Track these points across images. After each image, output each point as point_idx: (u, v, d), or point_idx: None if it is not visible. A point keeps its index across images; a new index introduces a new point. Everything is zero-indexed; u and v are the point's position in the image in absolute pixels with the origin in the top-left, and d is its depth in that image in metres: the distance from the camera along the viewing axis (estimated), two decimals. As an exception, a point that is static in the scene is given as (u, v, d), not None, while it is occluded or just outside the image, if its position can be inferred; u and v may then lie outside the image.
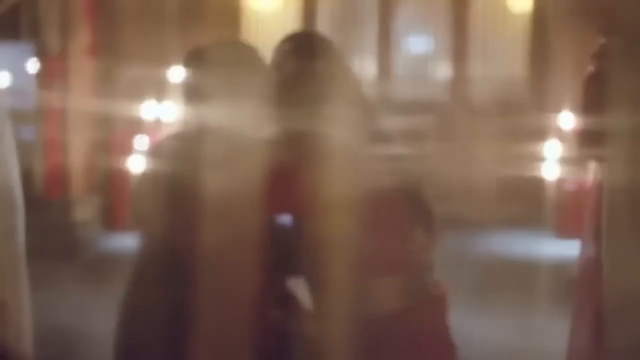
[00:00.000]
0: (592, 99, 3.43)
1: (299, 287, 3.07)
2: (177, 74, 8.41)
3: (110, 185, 9.44)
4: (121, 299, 3.18)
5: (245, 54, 3.13)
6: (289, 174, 2.96)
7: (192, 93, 3.13)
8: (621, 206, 3.01)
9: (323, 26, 10.06)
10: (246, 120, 3.03)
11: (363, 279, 2.94)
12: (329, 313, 2.91)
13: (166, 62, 8.91)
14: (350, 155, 2.94)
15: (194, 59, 3.15)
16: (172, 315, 2.95)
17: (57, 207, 8.80)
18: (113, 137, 9.48)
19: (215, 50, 3.14)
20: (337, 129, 2.90)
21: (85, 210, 9.13)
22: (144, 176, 3.22)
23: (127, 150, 9.08)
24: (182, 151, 3.05)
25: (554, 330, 5.35)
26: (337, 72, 3.04)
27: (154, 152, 3.32)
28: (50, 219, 8.35)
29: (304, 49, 3.07)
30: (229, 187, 2.89)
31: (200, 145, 2.97)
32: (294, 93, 3.01)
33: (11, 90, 9.50)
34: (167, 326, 2.97)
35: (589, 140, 3.53)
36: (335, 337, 2.87)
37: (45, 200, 8.79)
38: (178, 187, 2.97)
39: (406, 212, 3.09)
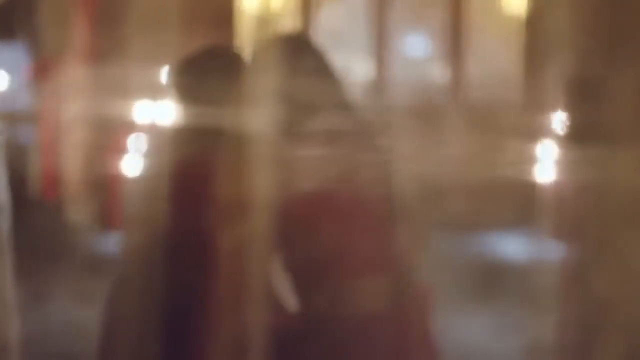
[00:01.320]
0: (577, 100, 3.44)
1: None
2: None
3: (106, 186, 9.43)
4: (105, 299, 3.19)
5: (229, 59, 3.15)
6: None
7: (179, 97, 3.17)
8: (580, 206, 3.03)
9: (318, 28, 10.06)
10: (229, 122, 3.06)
11: (345, 280, 2.95)
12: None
13: (161, 64, 8.91)
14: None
15: (178, 65, 3.20)
16: (157, 315, 2.96)
17: (52, 208, 8.80)
18: (108, 138, 9.47)
19: (198, 56, 3.17)
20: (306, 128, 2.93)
21: (80, 211, 9.12)
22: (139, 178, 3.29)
23: (122, 151, 9.08)
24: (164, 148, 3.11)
25: (550, 330, 5.36)
26: (318, 72, 3.05)
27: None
28: (45, 220, 8.35)
29: (284, 51, 3.08)
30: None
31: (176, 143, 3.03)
32: (274, 91, 3.03)
33: (6, 92, 9.52)
34: (151, 327, 2.97)
35: (575, 140, 3.54)
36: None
37: (40, 201, 8.79)
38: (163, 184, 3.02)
39: (390, 212, 3.09)
